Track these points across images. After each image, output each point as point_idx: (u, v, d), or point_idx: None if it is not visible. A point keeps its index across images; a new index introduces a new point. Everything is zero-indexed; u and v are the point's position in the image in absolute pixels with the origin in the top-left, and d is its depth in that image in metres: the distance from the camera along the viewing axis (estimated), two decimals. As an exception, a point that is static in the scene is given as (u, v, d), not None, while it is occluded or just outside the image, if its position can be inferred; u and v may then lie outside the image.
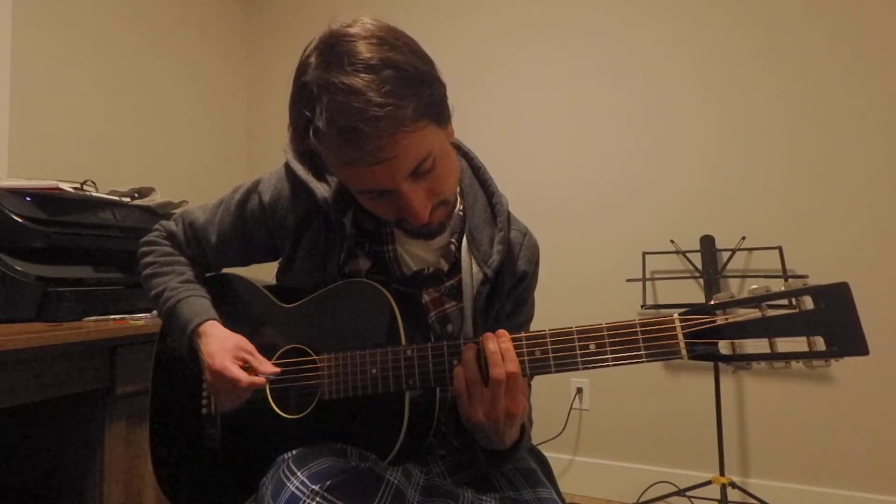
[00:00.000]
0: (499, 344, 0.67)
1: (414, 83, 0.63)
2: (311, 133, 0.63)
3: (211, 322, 0.84)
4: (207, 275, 0.97)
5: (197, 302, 0.87)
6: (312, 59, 0.65)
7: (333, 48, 0.64)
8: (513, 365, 0.66)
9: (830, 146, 1.87)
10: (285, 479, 0.63)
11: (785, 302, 0.60)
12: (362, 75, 0.61)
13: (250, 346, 0.82)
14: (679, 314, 0.63)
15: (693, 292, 1.99)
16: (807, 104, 1.90)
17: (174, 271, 0.91)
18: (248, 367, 0.79)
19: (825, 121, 1.88)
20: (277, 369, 0.79)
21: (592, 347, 0.65)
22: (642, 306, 1.93)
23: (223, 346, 0.80)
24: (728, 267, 1.91)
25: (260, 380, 0.77)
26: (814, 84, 1.89)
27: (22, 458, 1.41)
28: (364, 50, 0.62)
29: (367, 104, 0.60)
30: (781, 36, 1.94)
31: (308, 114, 0.63)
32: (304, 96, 0.64)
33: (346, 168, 0.66)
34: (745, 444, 1.94)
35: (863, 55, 1.84)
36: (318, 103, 0.62)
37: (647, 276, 1.99)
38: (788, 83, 1.92)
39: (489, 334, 0.68)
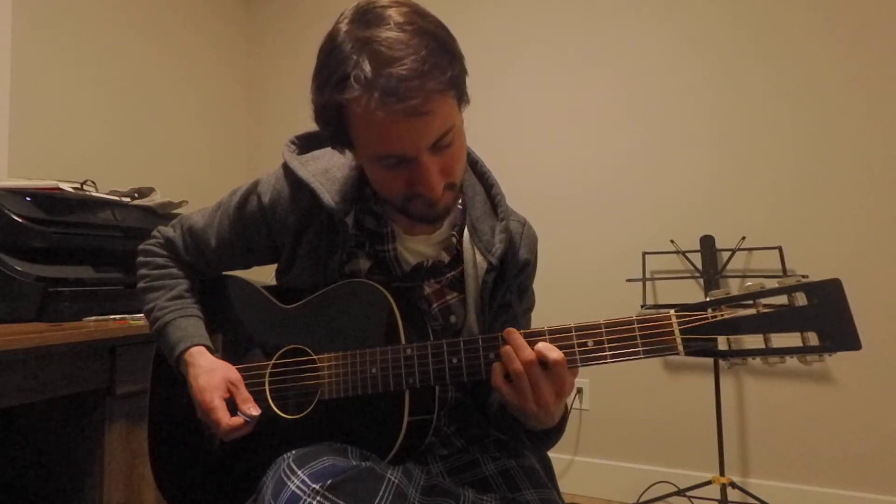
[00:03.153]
0: (512, 341, 0.67)
1: (447, 54, 0.66)
2: (351, 81, 0.63)
3: (197, 349, 0.84)
4: (205, 278, 0.97)
5: (183, 324, 0.86)
6: (345, 25, 0.66)
7: (368, 13, 0.65)
8: (527, 353, 0.66)
9: (831, 146, 1.87)
10: (286, 479, 0.63)
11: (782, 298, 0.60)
12: (403, 34, 0.63)
13: (237, 377, 0.81)
14: (675, 311, 0.63)
15: (693, 292, 1.99)
16: (807, 104, 1.90)
17: (165, 286, 0.91)
18: (231, 401, 0.79)
19: (825, 121, 1.88)
20: (257, 411, 0.78)
21: (590, 344, 0.66)
22: (642, 306, 1.93)
23: (210, 382, 0.79)
24: (728, 267, 1.91)
25: (238, 421, 0.77)
26: (814, 84, 1.90)
27: (22, 458, 1.41)
28: (398, 16, 0.64)
29: (411, 58, 0.62)
30: (781, 36, 1.94)
31: (346, 67, 0.63)
32: (340, 53, 0.64)
33: (378, 123, 0.65)
34: (745, 444, 1.94)
35: (863, 55, 1.84)
36: (360, 54, 0.63)
37: (647, 276, 1.99)
38: (788, 83, 1.93)
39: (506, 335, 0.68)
